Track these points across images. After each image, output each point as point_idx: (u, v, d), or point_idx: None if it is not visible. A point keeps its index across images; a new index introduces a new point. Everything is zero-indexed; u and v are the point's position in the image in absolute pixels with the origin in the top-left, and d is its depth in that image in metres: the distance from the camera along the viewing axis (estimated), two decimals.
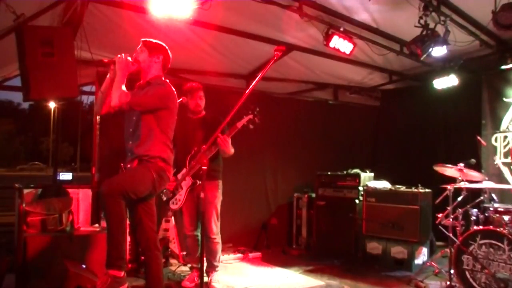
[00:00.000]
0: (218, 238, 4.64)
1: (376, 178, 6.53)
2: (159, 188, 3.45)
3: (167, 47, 3.58)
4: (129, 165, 3.47)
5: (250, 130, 4.21)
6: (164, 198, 4.58)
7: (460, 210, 4.79)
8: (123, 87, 3.34)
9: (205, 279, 4.50)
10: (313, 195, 6.79)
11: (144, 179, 3.30)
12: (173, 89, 3.51)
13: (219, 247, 4.68)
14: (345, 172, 6.55)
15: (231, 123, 4.14)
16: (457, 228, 4.74)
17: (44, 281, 4.12)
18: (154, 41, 3.55)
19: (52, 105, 15.93)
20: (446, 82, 6.33)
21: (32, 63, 4.00)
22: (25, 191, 4.78)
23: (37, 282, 4.16)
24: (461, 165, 4.75)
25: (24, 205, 4.53)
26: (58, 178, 7.99)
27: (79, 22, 4.50)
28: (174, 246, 5.40)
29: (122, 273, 3.22)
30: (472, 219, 4.68)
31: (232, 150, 4.40)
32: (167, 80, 3.58)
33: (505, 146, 5.99)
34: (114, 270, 3.18)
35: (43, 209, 4.58)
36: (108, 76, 3.50)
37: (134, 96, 3.36)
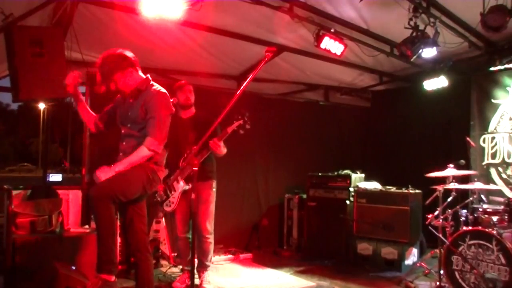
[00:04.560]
0: (211, 238, 4.63)
1: (367, 179, 6.56)
2: (150, 189, 3.42)
3: (123, 52, 3.37)
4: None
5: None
6: (158, 200, 4.56)
7: (449, 210, 4.83)
8: None
9: (196, 281, 4.50)
10: (304, 196, 6.79)
11: (135, 181, 3.27)
12: (165, 91, 3.43)
13: (212, 247, 4.67)
14: (336, 173, 6.57)
15: (222, 127, 4.14)
16: (447, 229, 4.78)
17: (33, 283, 4.08)
18: (113, 56, 3.33)
19: (41, 106, 15.82)
20: (436, 83, 6.37)
21: (22, 64, 3.97)
22: (14, 192, 4.72)
23: (26, 284, 4.11)
24: (451, 166, 4.79)
25: (13, 206, 4.49)
26: (47, 179, 7.91)
27: (69, 22, 4.47)
28: (164, 248, 5.38)
29: (113, 278, 3.20)
30: (461, 219, 4.71)
31: (224, 150, 4.41)
32: (154, 83, 3.44)
33: (492, 147, 6.04)
34: (105, 274, 3.16)
35: (32, 210, 4.55)
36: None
37: (153, 140, 3.27)
